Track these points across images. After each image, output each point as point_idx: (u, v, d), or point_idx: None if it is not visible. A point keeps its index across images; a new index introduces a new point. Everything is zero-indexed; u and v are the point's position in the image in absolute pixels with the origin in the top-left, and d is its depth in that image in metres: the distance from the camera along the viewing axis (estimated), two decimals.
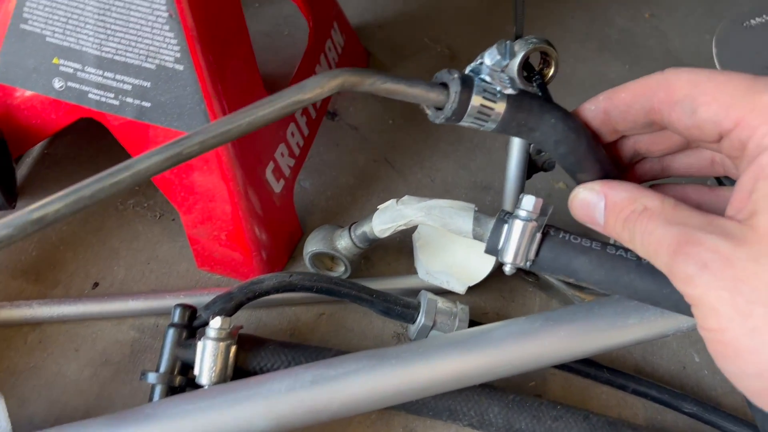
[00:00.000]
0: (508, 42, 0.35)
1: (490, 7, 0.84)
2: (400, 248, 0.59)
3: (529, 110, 0.37)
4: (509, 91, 0.35)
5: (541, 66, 0.50)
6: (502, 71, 0.36)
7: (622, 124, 0.37)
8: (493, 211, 0.44)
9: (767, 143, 0.29)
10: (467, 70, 0.36)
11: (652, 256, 0.33)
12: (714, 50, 0.80)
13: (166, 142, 0.33)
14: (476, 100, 0.35)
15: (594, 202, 0.36)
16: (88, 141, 0.62)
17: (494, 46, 0.35)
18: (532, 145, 0.52)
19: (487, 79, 0.35)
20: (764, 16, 0.84)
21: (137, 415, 0.42)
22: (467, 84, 0.35)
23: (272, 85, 0.55)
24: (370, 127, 0.68)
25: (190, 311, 0.47)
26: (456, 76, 0.35)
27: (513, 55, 0.35)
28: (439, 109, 0.35)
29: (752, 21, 0.83)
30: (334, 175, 0.64)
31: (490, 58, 0.35)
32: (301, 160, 0.59)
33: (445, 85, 0.35)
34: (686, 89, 0.32)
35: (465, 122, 0.36)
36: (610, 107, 0.36)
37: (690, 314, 0.41)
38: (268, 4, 0.77)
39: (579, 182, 0.41)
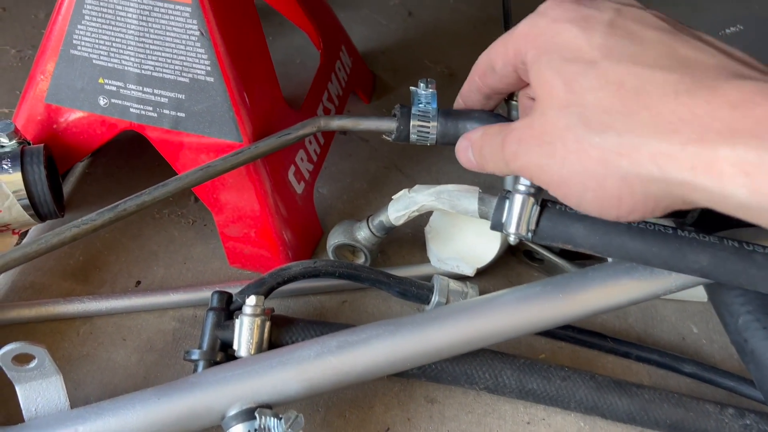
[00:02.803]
0: (427, 78, 0.52)
1: (481, 31, 0.91)
2: (413, 242, 0.65)
3: (456, 117, 0.50)
4: (430, 90, 0.51)
5: None
6: (429, 92, 0.51)
7: (475, 106, 0.49)
8: None
9: (527, 49, 0.39)
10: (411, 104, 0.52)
11: (498, 163, 0.42)
12: None
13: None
14: (414, 121, 0.50)
15: (467, 146, 0.45)
16: (125, 161, 0.69)
17: (419, 82, 0.51)
18: None
19: (423, 105, 0.51)
20: (738, 26, 0.92)
21: (183, 384, 0.47)
22: (406, 111, 0.50)
23: (289, 104, 0.62)
24: (379, 139, 0.74)
25: (227, 296, 0.52)
26: (398, 108, 0.51)
27: (432, 83, 0.51)
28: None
29: (727, 30, 0.90)
30: (348, 181, 0.70)
31: (419, 90, 0.52)
32: (318, 166, 0.65)
33: (394, 116, 0.51)
34: (485, 60, 0.44)
35: (412, 138, 0.51)
36: (463, 97, 0.49)
37: (676, 269, 0.47)
38: (281, 37, 0.84)
39: None
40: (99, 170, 0.68)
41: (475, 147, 0.44)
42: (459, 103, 0.50)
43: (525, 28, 0.40)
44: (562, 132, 0.36)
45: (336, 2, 0.92)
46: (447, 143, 0.53)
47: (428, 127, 0.51)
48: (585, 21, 0.37)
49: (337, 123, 0.55)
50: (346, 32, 0.77)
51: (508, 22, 0.62)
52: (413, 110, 0.51)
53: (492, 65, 0.43)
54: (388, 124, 0.52)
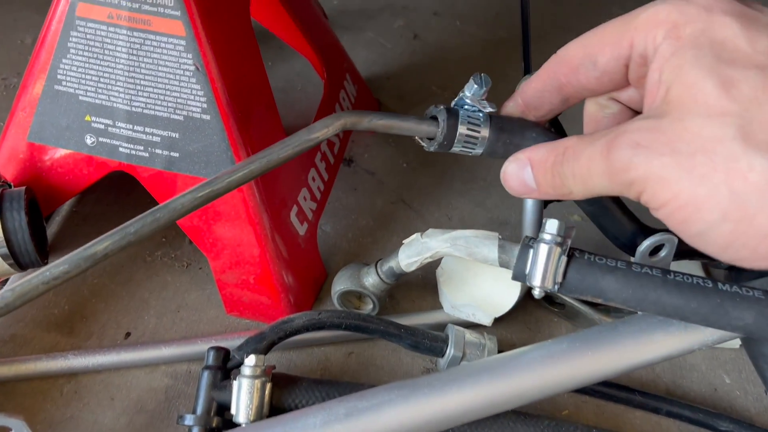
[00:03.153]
0: (482, 74, 0.40)
1: (491, 55, 0.87)
2: (423, 285, 0.60)
3: (510, 130, 0.41)
4: (489, 110, 0.40)
5: None
6: (482, 98, 0.40)
7: (541, 109, 0.40)
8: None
9: (659, 40, 0.32)
10: (452, 104, 0.41)
11: (588, 179, 0.34)
12: None
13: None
14: (462, 128, 0.40)
15: (522, 167, 0.38)
16: (115, 198, 0.65)
17: (471, 79, 0.40)
18: None
19: (470, 108, 0.40)
20: None
21: None
22: (453, 115, 0.40)
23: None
24: (385, 171, 0.70)
25: (224, 353, 0.48)
26: (443, 107, 0.40)
27: (487, 83, 0.40)
28: (431, 139, 0.41)
29: None
30: (353, 218, 0.66)
31: (469, 90, 0.40)
32: (322, 204, 0.61)
33: (435, 118, 0.40)
34: (580, 52, 0.36)
35: (455, 148, 0.41)
36: (526, 98, 0.40)
37: (716, 326, 0.42)
38: (280, 62, 0.81)
39: None
40: (87, 209, 0.64)
41: (541, 166, 0.37)
42: (518, 103, 0.41)
43: (661, 13, 0.32)
44: (709, 143, 0.29)
45: (338, 24, 0.89)
46: (494, 157, 0.44)
47: (478, 137, 0.41)
48: (747, 19, 0.31)
49: (368, 122, 0.43)
50: (350, 58, 0.73)
51: (527, 40, 0.57)
52: (461, 114, 0.41)
53: (592, 59, 0.35)
54: (429, 128, 0.41)
